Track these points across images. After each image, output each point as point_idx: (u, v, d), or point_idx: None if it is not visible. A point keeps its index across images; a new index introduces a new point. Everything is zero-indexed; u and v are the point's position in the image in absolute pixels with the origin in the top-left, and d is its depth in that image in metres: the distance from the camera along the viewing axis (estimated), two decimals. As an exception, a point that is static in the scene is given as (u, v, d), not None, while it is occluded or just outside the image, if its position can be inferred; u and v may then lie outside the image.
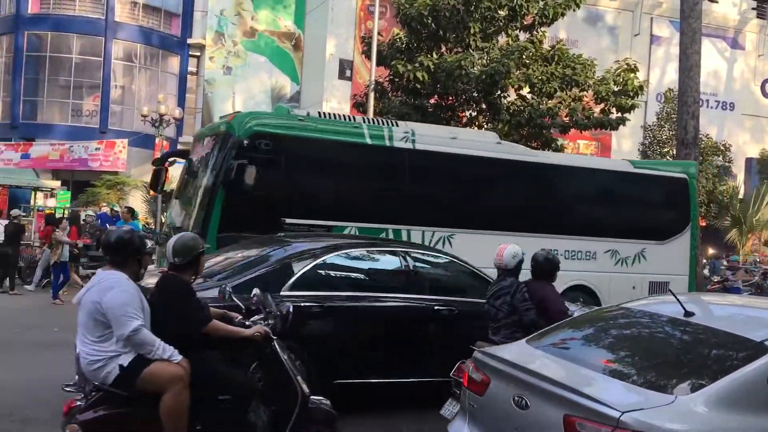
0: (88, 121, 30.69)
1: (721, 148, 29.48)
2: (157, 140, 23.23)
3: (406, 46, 17.16)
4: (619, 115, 17.44)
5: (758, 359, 3.38)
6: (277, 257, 6.44)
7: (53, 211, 20.82)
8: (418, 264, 7.03)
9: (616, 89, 17.22)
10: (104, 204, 24.18)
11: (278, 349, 4.50)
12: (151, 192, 24.21)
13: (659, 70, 38.41)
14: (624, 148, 38.05)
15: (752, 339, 3.60)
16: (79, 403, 4.06)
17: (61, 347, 7.53)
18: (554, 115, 17.09)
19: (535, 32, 17.25)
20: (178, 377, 4.02)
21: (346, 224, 9.53)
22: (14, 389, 6.71)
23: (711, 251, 28.35)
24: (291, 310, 4.71)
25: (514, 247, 6.14)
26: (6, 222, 15.17)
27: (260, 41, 35.32)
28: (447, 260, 7.53)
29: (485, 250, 9.71)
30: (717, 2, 37.41)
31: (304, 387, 4.49)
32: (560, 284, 9.31)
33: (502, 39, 17.66)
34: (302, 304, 5.89)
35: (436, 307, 6.67)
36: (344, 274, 6.72)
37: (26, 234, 17.62)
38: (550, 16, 16.74)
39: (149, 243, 19.59)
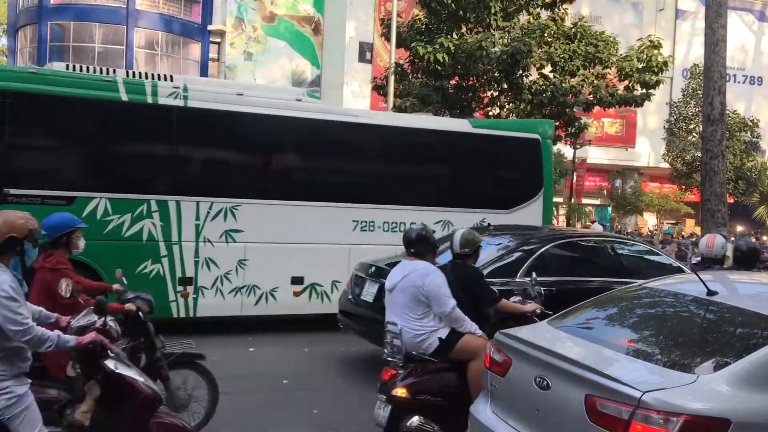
0: (112, 110, 30.98)
1: (749, 123, 28.98)
2: (180, 127, 23.39)
3: (426, 27, 17.07)
4: (644, 91, 17.19)
5: (782, 337, 3.35)
6: (512, 248, 7.36)
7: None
8: (621, 251, 8.07)
9: (639, 66, 16.98)
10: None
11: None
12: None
13: (685, 45, 37.75)
14: (650, 125, 37.57)
15: (776, 317, 3.56)
16: (400, 371, 4.83)
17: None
18: (577, 93, 16.90)
19: (556, 9, 17.06)
20: (482, 347, 4.68)
21: (94, 195, 8.38)
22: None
23: (740, 228, 27.99)
24: (542, 292, 5.79)
25: (720, 238, 6.76)
26: None
27: (280, 26, 35.33)
28: (645, 248, 8.48)
29: (280, 224, 9.30)
30: (744, -26, 36.63)
31: None
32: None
33: (523, 17, 17.49)
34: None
35: None
36: (563, 261, 7.63)
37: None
38: (572, -7, 16.52)
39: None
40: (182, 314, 8.91)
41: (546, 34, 16.66)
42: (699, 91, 24.91)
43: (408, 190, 10.28)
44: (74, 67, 9.21)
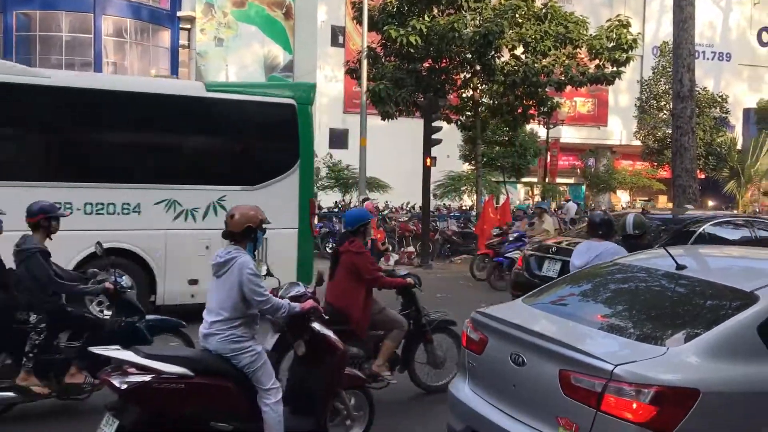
0: (81, 100, 30.55)
1: (718, 99, 29.37)
2: (152, 116, 23.16)
3: (398, 10, 17.03)
4: (614, 69, 17.36)
5: (748, 308, 3.44)
6: (676, 227, 8.47)
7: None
8: (761, 233, 8.80)
9: (610, 45, 17.13)
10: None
11: None
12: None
13: (654, 23, 38.09)
14: (621, 103, 37.94)
15: (743, 289, 3.66)
16: None
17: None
18: (549, 73, 17.01)
19: (527, -10, 17.11)
20: None
21: None
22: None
23: (710, 203, 28.44)
24: None
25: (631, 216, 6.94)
26: None
27: (250, 11, 35.00)
28: None
29: None
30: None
31: None
32: (76, 249, 7.96)
33: (494, -1, 17.54)
34: None
35: None
36: (720, 240, 8.26)
37: None
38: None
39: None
40: None
41: (517, 15, 16.71)
42: (669, 69, 25.16)
43: (119, 166, 8.89)
44: None
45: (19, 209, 5.67)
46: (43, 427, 5.38)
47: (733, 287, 3.76)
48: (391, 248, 15.28)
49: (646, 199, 38.32)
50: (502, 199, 25.69)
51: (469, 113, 18.92)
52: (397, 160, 27.89)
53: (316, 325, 4.68)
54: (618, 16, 18.03)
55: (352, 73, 19.17)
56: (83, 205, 8.38)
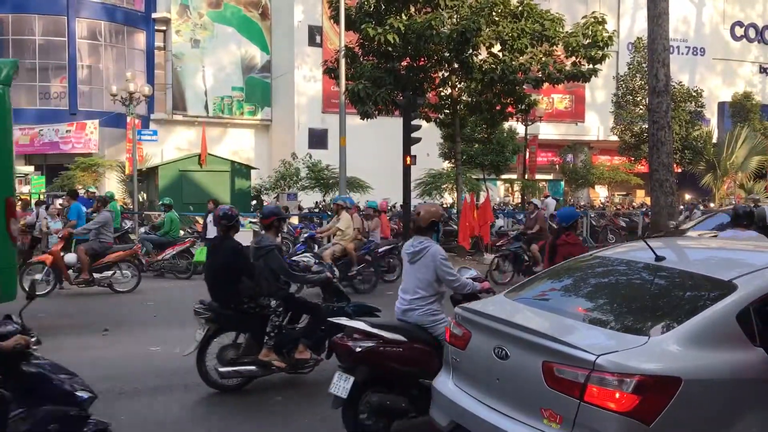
0: (57, 104, 30.22)
1: (693, 93, 29.68)
2: (128, 119, 22.94)
3: (375, 8, 17.04)
4: (590, 66, 17.49)
5: (727, 297, 3.49)
6: None
7: (29, 197, 20.60)
8: None
9: (585, 42, 17.27)
10: (80, 187, 23.95)
11: None
12: (127, 171, 24.04)
13: (629, 19, 38.42)
14: (598, 99, 38.23)
15: (721, 278, 3.70)
16: None
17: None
18: (526, 71, 17.11)
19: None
20: None
21: None
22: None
23: (687, 197, 28.75)
24: None
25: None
26: None
27: (226, 11, 34.80)
28: None
29: None
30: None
31: None
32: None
33: (471, -4, 17.60)
34: None
35: None
36: None
37: None
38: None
39: (128, 223, 19.35)
40: None
41: (494, 13, 16.78)
42: (644, 65, 25.40)
43: None
44: None
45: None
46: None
47: (711, 277, 3.81)
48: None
49: (625, 193, 38.67)
50: (483, 196, 25.80)
51: (447, 111, 18.98)
52: (377, 159, 27.89)
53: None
54: (593, 13, 18.18)
55: (331, 72, 19.14)
56: None
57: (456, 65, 17.20)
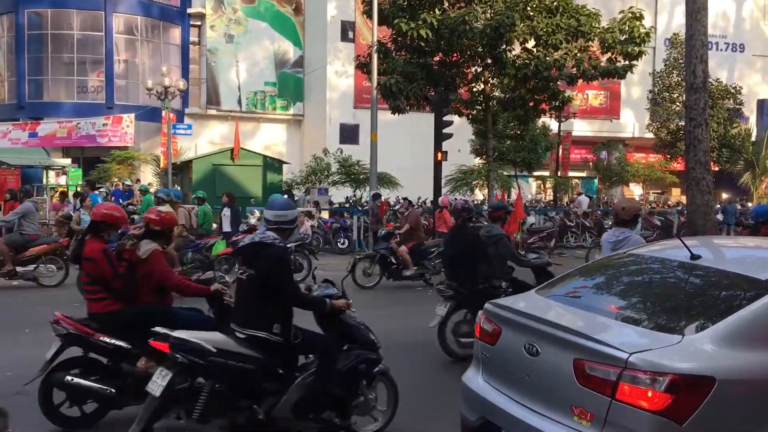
0: (94, 97, 30.74)
1: (732, 90, 29.10)
2: (163, 113, 23.25)
3: (408, 3, 16.99)
4: (626, 63, 17.25)
5: (764, 297, 3.43)
6: None
7: (66, 189, 21.00)
8: None
9: (622, 38, 17.02)
10: (117, 180, 24.38)
11: None
12: (162, 165, 24.39)
13: (666, 15, 37.80)
14: (634, 96, 37.70)
15: (758, 278, 3.64)
16: None
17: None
18: (561, 67, 16.92)
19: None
20: None
21: None
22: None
23: (725, 196, 28.23)
24: None
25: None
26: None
27: (260, 6, 35.03)
28: None
29: None
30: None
31: None
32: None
33: (506, -9, 17.47)
34: None
35: None
36: None
37: (40, 213, 17.85)
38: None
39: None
40: None
41: (528, 8, 16.64)
42: (681, 61, 24.98)
43: None
44: None
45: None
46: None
47: (748, 276, 3.75)
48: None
49: (660, 192, 38.10)
50: (514, 193, 25.63)
51: (480, 107, 18.87)
52: (408, 155, 27.87)
53: None
54: (630, 8, 17.93)
55: (363, 67, 19.16)
56: None
57: (489, 61, 17.09)
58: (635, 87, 36.84)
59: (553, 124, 26.80)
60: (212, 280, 5.82)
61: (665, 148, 30.66)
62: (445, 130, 16.53)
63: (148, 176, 28.07)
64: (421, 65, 17.00)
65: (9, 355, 7.23)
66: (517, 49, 17.26)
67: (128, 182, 22.54)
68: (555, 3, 16.92)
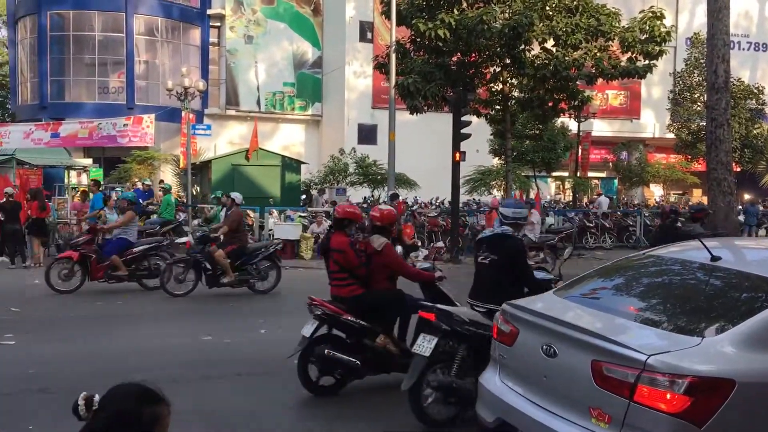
0: (115, 98, 31.00)
1: (754, 90, 28.73)
2: (183, 113, 23.39)
3: (426, 3, 16.95)
4: (647, 62, 17.08)
5: (785, 299, 3.39)
6: None
7: (87, 189, 21.20)
8: None
9: (642, 37, 16.85)
10: (137, 180, 24.59)
11: None
12: (182, 165, 24.56)
13: (688, 14, 37.40)
14: (654, 96, 37.35)
15: (780, 280, 3.60)
16: None
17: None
18: (580, 67, 16.79)
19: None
20: None
21: None
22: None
23: (747, 196, 27.89)
24: None
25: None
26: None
27: (279, 7, 35.14)
28: None
29: None
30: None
31: None
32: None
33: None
34: None
35: None
36: None
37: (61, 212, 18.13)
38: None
39: (182, 215, 19.60)
40: None
41: (547, 7, 16.54)
42: (702, 60, 24.73)
43: None
44: None
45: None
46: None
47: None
48: (420, 243, 15.28)
49: (681, 192, 37.72)
50: (533, 194, 25.49)
51: (498, 107, 18.80)
52: (425, 156, 27.81)
53: None
54: (651, 7, 17.74)
55: (381, 68, 19.15)
56: None
57: (508, 61, 17.00)
58: (656, 87, 36.49)
59: (573, 125, 26.63)
60: (431, 268, 6.56)
61: (686, 148, 30.34)
62: (463, 131, 16.48)
63: (168, 176, 28.27)
64: (440, 65, 16.96)
65: (34, 353, 7.38)
66: (536, 49, 17.16)
67: (148, 182, 22.74)
68: (575, 2, 16.78)
